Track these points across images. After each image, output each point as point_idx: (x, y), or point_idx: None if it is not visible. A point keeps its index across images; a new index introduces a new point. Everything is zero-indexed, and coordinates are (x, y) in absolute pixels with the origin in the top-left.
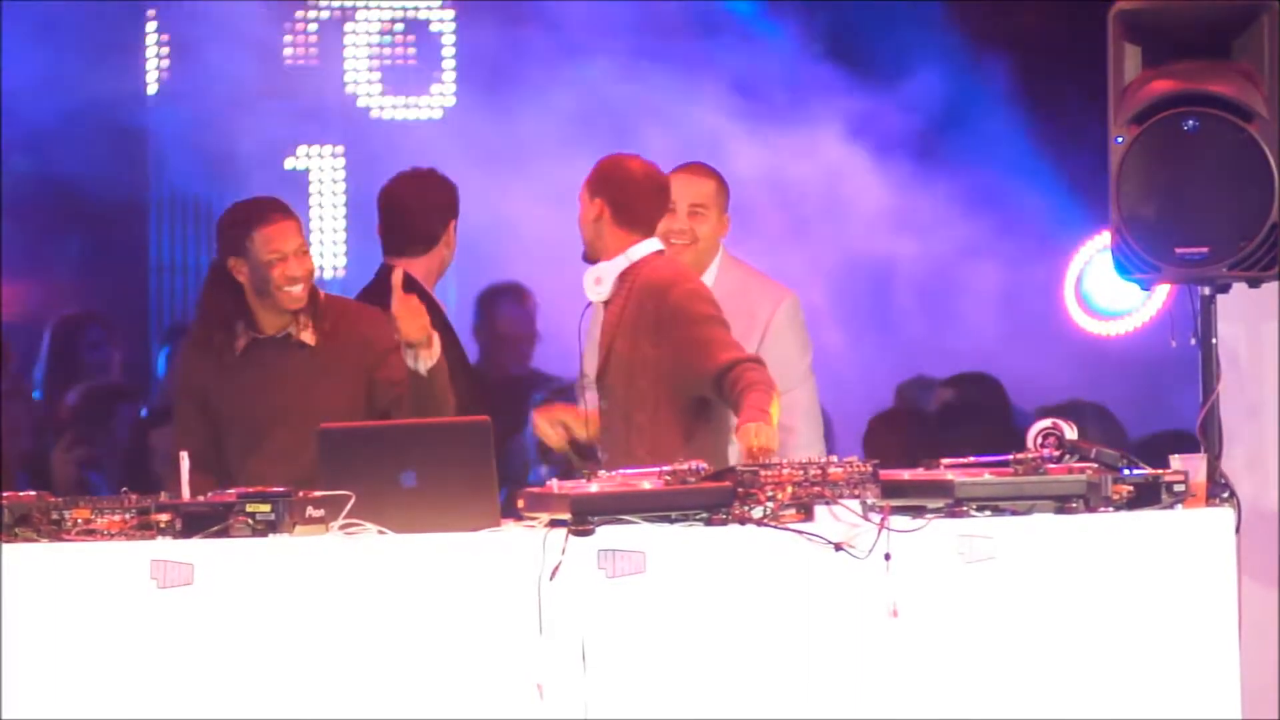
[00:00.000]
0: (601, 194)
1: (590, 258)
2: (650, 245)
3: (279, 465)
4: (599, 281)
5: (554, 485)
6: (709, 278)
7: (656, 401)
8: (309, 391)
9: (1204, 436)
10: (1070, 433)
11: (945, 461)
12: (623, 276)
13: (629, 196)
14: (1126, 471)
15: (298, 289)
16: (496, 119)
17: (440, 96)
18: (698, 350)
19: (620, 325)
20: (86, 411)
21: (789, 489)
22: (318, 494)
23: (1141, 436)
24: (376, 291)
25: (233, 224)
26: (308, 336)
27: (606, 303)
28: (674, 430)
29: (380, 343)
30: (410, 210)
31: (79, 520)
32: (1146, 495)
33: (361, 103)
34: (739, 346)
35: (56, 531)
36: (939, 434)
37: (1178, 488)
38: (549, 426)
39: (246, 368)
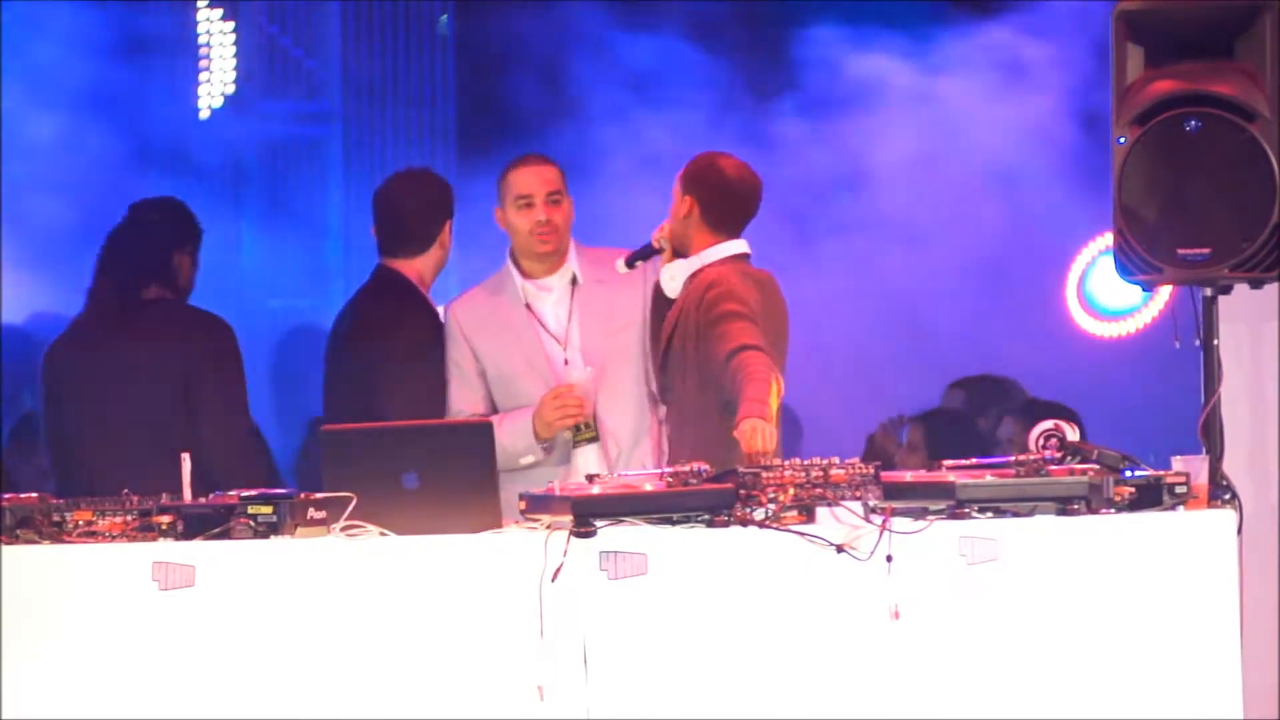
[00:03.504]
0: (692, 192)
1: (678, 252)
2: (729, 248)
3: None
4: (673, 279)
5: (555, 487)
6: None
7: (700, 400)
8: None
9: (1206, 438)
10: (1072, 434)
11: (947, 463)
12: (691, 276)
13: (718, 197)
14: (1128, 473)
15: None
16: None
17: None
18: (714, 344)
19: (678, 324)
20: None
21: (791, 490)
22: (319, 496)
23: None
24: (372, 291)
25: None
26: None
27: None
28: (716, 430)
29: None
30: (405, 210)
31: (80, 522)
32: (1148, 497)
33: None
34: (748, 333)
35: (58, 533)
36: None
37: (1179, 489)
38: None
39: None
